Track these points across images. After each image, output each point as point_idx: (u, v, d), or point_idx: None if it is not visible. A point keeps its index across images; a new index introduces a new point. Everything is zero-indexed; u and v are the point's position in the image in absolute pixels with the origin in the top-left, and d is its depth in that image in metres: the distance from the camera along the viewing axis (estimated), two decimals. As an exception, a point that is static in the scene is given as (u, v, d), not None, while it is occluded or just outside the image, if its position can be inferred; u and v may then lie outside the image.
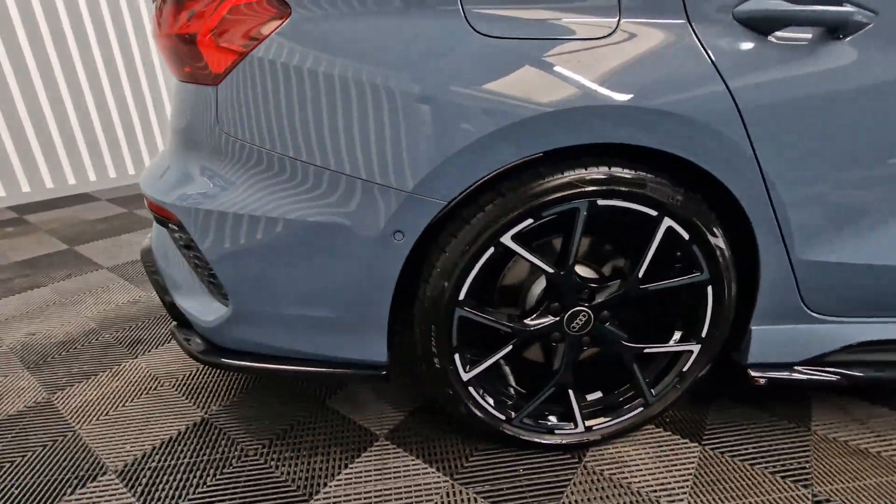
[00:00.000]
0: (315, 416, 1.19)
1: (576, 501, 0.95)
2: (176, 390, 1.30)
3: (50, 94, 3.21)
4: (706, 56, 0.78)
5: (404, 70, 0.76)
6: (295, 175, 0.83)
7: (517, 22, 0.77)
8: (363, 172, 0.80)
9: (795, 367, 1.05)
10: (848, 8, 0.77)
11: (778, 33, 0.79)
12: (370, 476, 1.01)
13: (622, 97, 0.76)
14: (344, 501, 0.95)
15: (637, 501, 0.95)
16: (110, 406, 1.24)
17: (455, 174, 0.80)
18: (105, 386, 1.33)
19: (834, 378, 1.05)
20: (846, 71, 0.80)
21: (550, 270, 0.90)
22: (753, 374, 1.03)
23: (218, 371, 1.36)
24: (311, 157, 0.81)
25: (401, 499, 0.96)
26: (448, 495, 0.96)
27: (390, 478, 1.01)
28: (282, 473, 1.02)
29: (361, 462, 1.05)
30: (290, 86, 0.79)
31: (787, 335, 1.01)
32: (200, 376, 1.35)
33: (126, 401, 1.26)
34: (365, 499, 0.96)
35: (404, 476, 1.01)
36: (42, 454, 1.09)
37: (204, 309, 1.00)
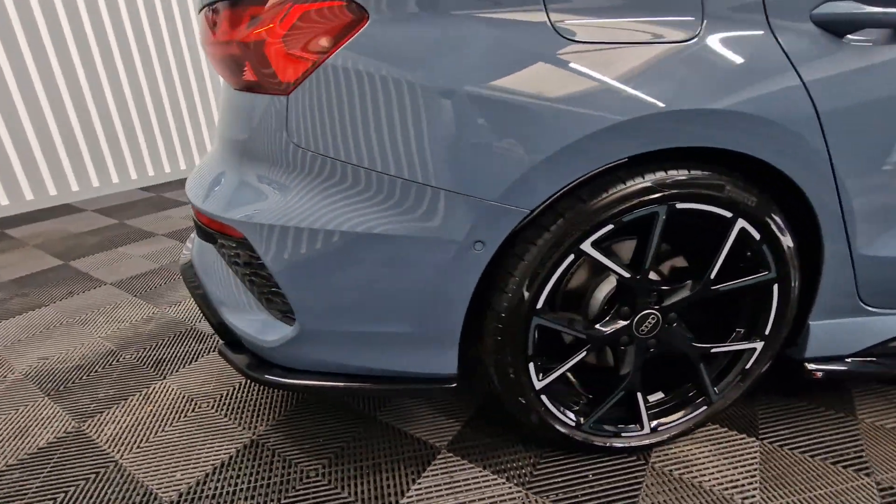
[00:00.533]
0: (370, 431, 1.16)
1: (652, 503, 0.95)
2: (216, 411, 1.24)
3: (28, 101, 3.04)
4: (787, 59, 0.79)
5: (490, 77, 0.74)
6: (371, 187, 0.80)
7: (603, 28, 0.76)
8: (446, 182, 0.78)
9: (847, 360, 1.08)
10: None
11: (852, 35, 0.80)
12: (441, 490, 0.99)
13: (709, 101, 0.76)
14: (419, 519, 0.93)
15: (713, 500, 0.96)
16: (149, 432, 1.18)
17: (540, 182, 0.78)
18: (137, 410, 1.26)
19: (884, 368, 1.08)
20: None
21: (626, 275, 0.89)
22: (810, 367, 1.06)
23: (258, 389, 1.31)
24: (391, 168, 0.78)
25: None
26: (524, 506, 0.95)
27: (461, 491, 0.99)
28: (350, 493, 0.99)
29: (428, 477, 1.03)
30: (369, 94, 0.76)
31: (843, 328, 1.04)
32: (239, 395, 1.29)
33: (164, 425, 1.20)
34: (440, 515, 0.94)
35: (475, 488, 0.99)
36: (87, 489, 1.03)
37: (263, 328, 0.95)
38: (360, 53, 0.75)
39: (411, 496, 0.98)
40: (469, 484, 1.00)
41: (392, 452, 1.09)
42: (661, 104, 0.75)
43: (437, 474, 1.03)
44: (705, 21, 0.77)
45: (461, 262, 0.83)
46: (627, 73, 0.75)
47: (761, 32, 0.78)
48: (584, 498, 0.97)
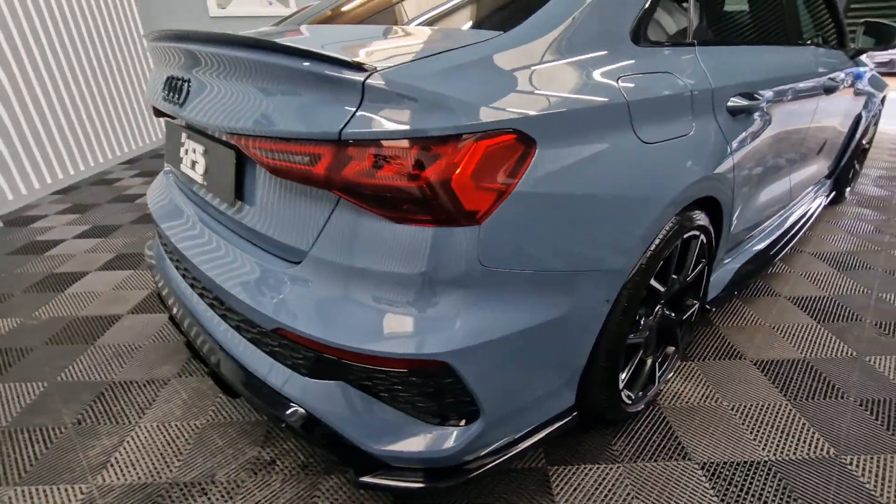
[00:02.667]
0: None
1: (681, 426, 1.40)
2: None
3: None
4: (723, 136, 1.26)
5: (633, 177, 0.97)
6: (547, 284, 0.93)
7: (658, 131, 1.06)
8: (596, 265, 0.98)
9: (718, 295, 1.74)
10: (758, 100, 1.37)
11: (741, 115, 1.33)
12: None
13: (713, 169, 1.18)
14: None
15: (705, 409, 1.47)
16: None
17: (639, 249, 1.07)
18: None
19: (731, 292, 1.79)
20: (764, 128, 1.42)
21: (662, 289, 1.27)
22: (709, 308, 1.67)
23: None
24: (563, 266, 0.93)
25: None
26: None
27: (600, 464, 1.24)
28: None
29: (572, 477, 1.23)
30: (548, 211, 0.88)
31: (716, 278, 1.68)
32: None
33: None
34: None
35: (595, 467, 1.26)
36: None
37: (430, 439, 0.96)
38: (536, 178, 0.86)
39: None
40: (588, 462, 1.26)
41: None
42: (695, 177, 1.12)
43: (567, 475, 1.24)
44: (694, 123, 1.17)
45: (596, 317, 1.05)
46: (678, 163, 1.09)
47: (713, 123, 1.23)
48: (653, 438, 1.35)
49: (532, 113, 0.84)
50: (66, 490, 1.26)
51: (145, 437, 1.42)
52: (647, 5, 1.13)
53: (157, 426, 1.45)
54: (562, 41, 0.97)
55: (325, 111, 0.80)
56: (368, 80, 0.76)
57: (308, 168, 0.83)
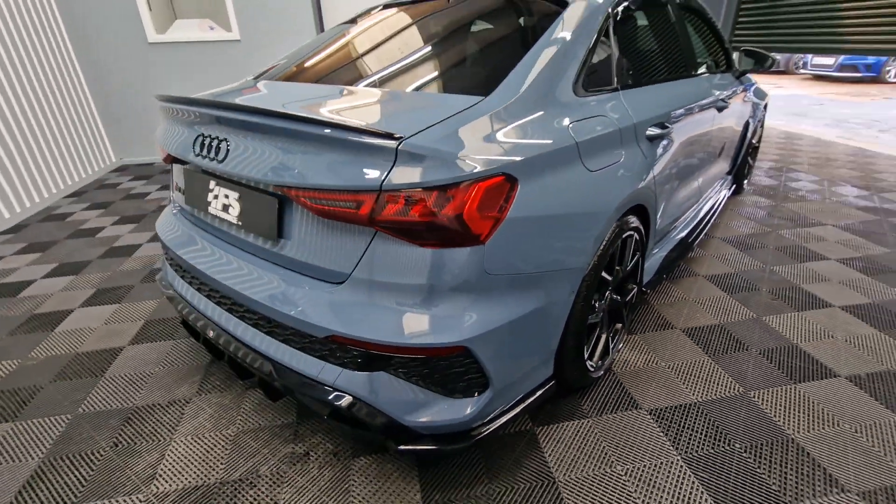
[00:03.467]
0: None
1: (636, 388, 1.78)
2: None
3: None
4: (645, 159, 1.65)
5: (585, 198, 1.31)
6: (534, 282, 1.25)
7: (599, 161, 1.42)
8: (569, 265, 1.32)
9: (651, 280, 2.16)
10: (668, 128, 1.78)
11: (655, 141, 1.73)
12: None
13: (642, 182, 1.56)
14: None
15: (659, 375, 1.86)
16: None
17: (596, 250, 1.42)
18: None
19: (661, 277, 2.22)
20: (674, 146, 1.83)
21: (610, 279, 1.64)
22: (645, 290, 2.08)
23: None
24: (545, 267, 1.26)
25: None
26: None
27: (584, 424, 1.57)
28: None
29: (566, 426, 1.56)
30: (528, 228, 1.20)
31: (648, 266, 2.10)
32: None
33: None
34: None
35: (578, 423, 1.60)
36: None
37: (453, 409, 1.25)
38: (519, 206, 1.17)
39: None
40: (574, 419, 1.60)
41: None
42: (628, 192, 1.49)
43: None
44: (623, 151, 1.54)
45: (565, 305, 1.39)
46: (615, 184, 1.46)
47: (637, 149, 1.61)
48: (612, 396, 1.71)
49: (514, 159, 1.16)
50: (124, 501, 1.42)
51: (184, 449, 1.59)
52: (582, 64, 1.49)
53: (192, 438, 1.63)
54: (527, 100, 1.30)
55: (366, 169, 1.07)
56: (401, 147, 1.05)
57: (353, 211, 1.10)
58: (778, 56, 2.83)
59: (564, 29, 1.51)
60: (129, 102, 5.25)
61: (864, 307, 2.27)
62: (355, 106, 1.36)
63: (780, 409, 1.68)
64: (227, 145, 1.30)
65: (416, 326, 1.14)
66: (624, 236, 1.62)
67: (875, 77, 10.73)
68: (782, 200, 3.70)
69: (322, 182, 1.11)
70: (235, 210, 1.38)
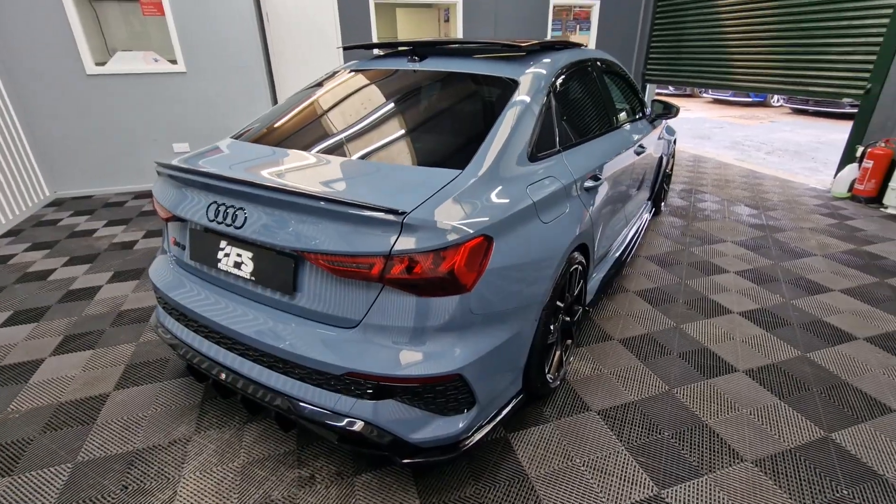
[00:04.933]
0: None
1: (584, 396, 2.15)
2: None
3: None
4: (584, 207, 2.03)
5: (542, 245, 1.65)
6: (507, 317, 1.57)
7: (551, 214, 1.78)
8: (533, 299, 1.65)
9: (593, 300, 2.56)
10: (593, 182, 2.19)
11: (591, 189, 2.13)
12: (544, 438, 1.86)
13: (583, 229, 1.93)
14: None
15: (608, 379, 2.25)
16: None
17: (552, 285, 1.77)
18: None
19: (598, 298, 2.63)
20: (605, 190, 2.24)
21: (562, 305, 1.99)
22: (588, 310, 2.48)
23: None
24: (514, 304, 1.58)
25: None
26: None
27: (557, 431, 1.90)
28: (503, 482, 1.73)
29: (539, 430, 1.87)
30: (503, 274, 1.52)
31: (591, 287, 2.50)
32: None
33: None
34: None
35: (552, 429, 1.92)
36: None
37: (448, 425, 1.53)
38: (496, 260, 1.49)
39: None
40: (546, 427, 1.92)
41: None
42: (573, 236, 1.86)
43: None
44: (568, 203, 1.91)
45: (531, 330, 1.72)
46: (563, 232, 1.82)
47: (578, 199, 2.00)
48: (567, 402, 2.06)
49: (490, 222, 1.48)
50: (148, 537, 1.56)
51: (195, 484, 1.74)
52: (533, 133, 1.85)
53: (201, 473, 1.78)
54: (494, 171, 1.63)
55: (377, 238, 1.34)
56: (405, 220, 1.33)
57: (366, 271, 1.36)
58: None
59: (519, 104, 1.86)
60: (65, 134, 5.07)
61: (755, 312, 2.81)
62: (355, 180, 1.62)
63: (696, 401, 2.11)
64: (245, 214, 1.51)
65: (419, 360, 1.41)
66: (571, 269, 1.99)
67: (762, 102, 12.39)
68: (692, 220, 4.34)
69: (340, 248, 1.36)
70: (248, 267, 1.59)
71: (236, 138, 2.15)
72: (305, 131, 2.08)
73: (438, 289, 1.39)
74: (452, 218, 1.40)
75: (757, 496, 1.66)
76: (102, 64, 5.01)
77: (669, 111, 3.35)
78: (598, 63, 2.77)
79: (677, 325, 2.68)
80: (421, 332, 1.42)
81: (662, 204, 4.50)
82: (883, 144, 4.44)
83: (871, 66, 4.66)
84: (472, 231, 1.42)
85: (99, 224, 4.44)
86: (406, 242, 1.34)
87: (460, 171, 1.59)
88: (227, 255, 1.64)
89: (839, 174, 4.87)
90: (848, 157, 4.92)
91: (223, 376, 1.69)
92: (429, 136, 1.93)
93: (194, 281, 1.80)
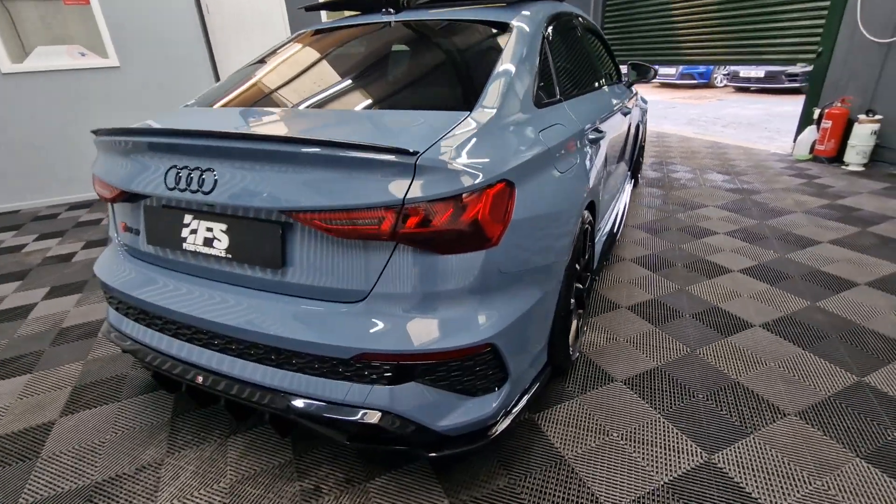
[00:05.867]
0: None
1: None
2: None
3: None
4: (589, 158, 1.86)
5: (562, 198, 1.46)
6: (533, 275, 1.36)
7: (565, 165, 1.59)
8: (558, 257, 1.46)
9: (601, 267, 2.41)
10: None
11: (594, 143, 1.96)
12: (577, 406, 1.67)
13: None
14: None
15: (624, 348, 2.09)
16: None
17: (573, 242, 1.58)
18: None
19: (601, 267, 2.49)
20: (604, 147, 2.08)
21: (578, 269, 1.81)
22: (595, 277, 2.32)
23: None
24: (541, 262, 1.38)
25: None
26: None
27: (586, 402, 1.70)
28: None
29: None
30: (528, 227, 1.31)
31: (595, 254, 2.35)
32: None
33: None
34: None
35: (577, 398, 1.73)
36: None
37: (479, 407, 1.31)
38: (519, 208, 1.28)
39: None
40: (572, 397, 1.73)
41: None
42: (586, 190, 1.68)
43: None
44: (577, 154, 1.73)
45: (555, 294, 1.53)
46: (578, 184, 1.64)
47: (586, 151, 1.82)
48: (589, 375, 1.89)
49: (510, 166, 1.27)
50: (119, 587, 1.25)
51: (175, 515, 1.44)
52: (535, 78, 1.66)
53: (180, 501, 1.47)
54: (506, 113, 1.42)
55: (386, 185, 1.11)
56: (419, 161, 1.10)
57: (375, 228, 1.12)
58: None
59: (517, 46, 1.67)
60: (-19, 142, 4.47)
61: (754, 268, 2.75)
62: (347, 125, 1.37)
63: (720, 360, 1.98)
64: (214, 175, 1.23)
65: (444, 331, 1.18)
66: (583, 228, 1.82)
67: (707, 83, 12.86)
68: (670, 189, 4.31)
69: (338, 203, 1.12)
70: (222, 243, 1.31)
71: (195, 105, 1.85)
72: (277, 92, 1.80)
73: (461, 243, 1.17)
74: (472, 159, 1.18)
75: (810, 449, 1.54)
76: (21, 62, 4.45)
77: (647, 73, 3.27)
78: (580, 19, 2.63)
79: (682, 288, 2.57)
80: (444, 297, 1.19)
81: (639, 176, 4.45)
82: (839, 104, 4.58)
83: (820, 30, 4.81)
84: (494, 174, 1.21)
85: (28, 238, 3.91)
86: (421, 188, 1.11)
87: (468, 112, 1.37)
88: (193, 231, 1.35)
89: (799, 137, 5.01)
90: (806, 121, 5.06)
91: (200, 380, 1.39)
92: (423, 83, 1.70)
93: (154, 271, 1.49)
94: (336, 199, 1.12)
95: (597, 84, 2.53)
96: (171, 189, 1.29)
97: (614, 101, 2.69)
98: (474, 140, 1.25)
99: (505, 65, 1.58)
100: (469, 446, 1.32)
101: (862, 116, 4.40)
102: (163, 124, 1.50)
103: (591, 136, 1.93)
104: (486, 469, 1.52)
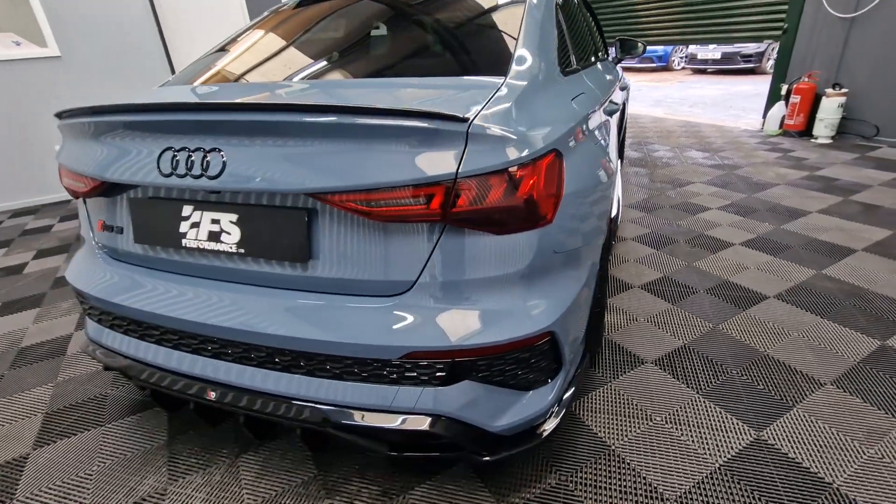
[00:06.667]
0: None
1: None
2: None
3: None
4: (606, 129, 1.76)
5: (598, 168, 1.34)
6: (580, 256, 1.25)
7: (598, 135, 1.48)
8: (600, 234, 1.35)
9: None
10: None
11: (609, 114, 1.86)
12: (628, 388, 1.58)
13: None
14: (612, 434, 1.51)
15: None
16: None
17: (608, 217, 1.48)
18: None
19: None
20: (613, 121, 1.99)
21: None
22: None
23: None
24: (587, 240, 1.26)
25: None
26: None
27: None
28: (586, 460, 1.42)
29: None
30: (576, 202, 1.19)
31: None
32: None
33: None
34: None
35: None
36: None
37: (535, 401, 1.19)
38: (568, 179, 1.15)
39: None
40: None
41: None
42: (613, 163, 1.57)
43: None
44: (602, 125, 1.62)
45: (595, 275, 1.42)
46: (608, 156, 1.53)
47: (607, 121, 1.72)
48: (617, 358, 1.81)
49: (557, 135, 1.14)
50: None
51: (189, 552, 1.25)
52: (558, 47, 1.53)
53: (194, 535, 1.29)
54: (541, 80, 1.29)
55: (436, 157, 0.96)
56: (471, 129, 0.96)
57: (422, 207, 0.97)
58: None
59: (537, 13, 1.54)
60: None
61: (754, 241, 2.76)
62: (380, 93, 1.20)
63: (744, 333, 1.95)
64: (222, 157, 1.05)
65: (502, 321, 1.05)
66: None
67: (665, 66, 13.16)
68: (654, 168, 4.31)
69: (379, 180, 0.96)
70: (233, 236, 1.12)
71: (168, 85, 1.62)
72: (277, 63, 1.59)
73: (516, 222, 1.04)
74: (524, 127, 1.05)
75: (855, 418, 1.51)
76: (-57, 51, 3.95)
77: (634, 49, 3.21)
78: (576, -10, 2.52)
79: (690, 264, 2.54)
80: (497, 283, 1.05)
81: (624, 154, 4.44)
82: (806, 79, 4.71)
83: (785, 7, 4.92)
84: (546, 144, 1.08)
85: (-31, 250, 3.49)
86: (475, 160, 0.97)
87: (502, 77, 1.23)
88: (194, 225, 1.16)
89: (769, 113, 5.13)
90: (774, 97, 5.19)
91: (213, 395, 1.21)
92: (447, 48, 1.54)
93: (143, 274, 1.29)
94: (376, 176, 0.96)
95: (599, 56, 2.44)
96: (168, 175, 1.09)
97: (611, 78, 2.62)
98: (519, 107, 1.11)
99: (531, 29, 1.45)
100: (527, 444, 1.21)
101: (829, 90, 4.54)
102: (148, 100, 1.28)
103: (608, 107, 1.84)
104: (532, 469, 1.41)
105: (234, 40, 1.88)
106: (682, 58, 12.94)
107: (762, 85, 9.00)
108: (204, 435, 1.61)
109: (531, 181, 1.03)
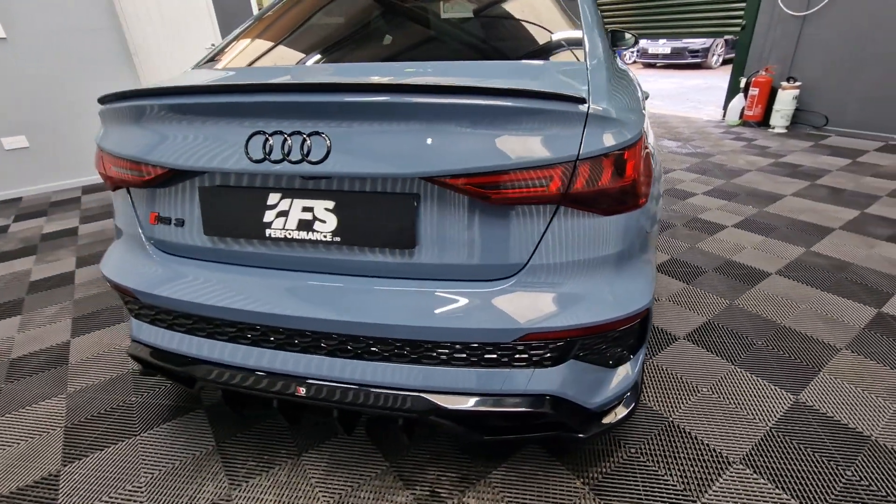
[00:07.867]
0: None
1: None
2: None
3: None
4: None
5: (655, 153, 1.38)
6: (653, 237, 1.30)
7: (646, 119, 1.53)
8: (659, 216, 1.40)
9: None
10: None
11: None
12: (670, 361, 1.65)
13: None
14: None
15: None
16: None
17: None
18: None
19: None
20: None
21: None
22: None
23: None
24: (656, 220, 1.31)
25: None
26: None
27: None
28: (650, 433, 1.48)
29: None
30: (655, 182, 1.24)
31: None
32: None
33: None
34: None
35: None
36: None
37: (622, 376, 1.23)
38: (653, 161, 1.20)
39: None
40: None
41: (613, 409, 1.59)
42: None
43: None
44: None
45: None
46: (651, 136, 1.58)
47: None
48: (652, 337, 1.90)
49: (644, 118, 1.18)
50: None
51: (275, 556, 1.20)
52: (607, 33, 1.57)
53: (275, 539, 1.24)
54: (609, 64, 1.32)
55: (556, 139, 0.96)
56: (590, 111, 0.97)
57: (542, 189, 0.97)
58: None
59: (588, 3, 1.57)
60: None
61: (744, 222, 2.96)
62: (482, 75, 1.18)
63: (759, 308, 2.10)
64: (326, 140, 1.00)
65: (612, 299, 1.08)
66: None
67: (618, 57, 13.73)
68: (633, 156, 4.50)
69: (499, 163, 0.95)
70: (327, 224, 1.07)
71: (204, 68, 1.51)
72: (343, 46, 1.52)
73: (622, 202, 1.06)
74: (622, 111, 1.07)
75: (875, 377, 1.67)
76: None
77: (621, 40, 3.32)
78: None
79: (692, 245, 2.69)
80: (605, 263, 1.08)
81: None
82: (764, 73, 5.07)
83: (743, 5, 5.25)
84: (641, 126, 1.11)
85: (-87, 255, 3.10)
86: (593, 142, 0.98)
87: (582, 61, 1.25)
88: (282, 214, 1.10)
89: (730, 104, 5.47)
90: (734, 89, 5.55)
91: (302, 392, 1.16)
92: (520, 33, 1.53)
93: (212, 268, 1.20)
94: (497, 158, 0.96)
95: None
96: (258, 161, 1.03)
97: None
98: (613, 90, 1.14)
99: (589, 13, 1.47)
100: (621, 419, 1.25)
101: (784, 83, 4.91)
102: (231, 81, 1.19)
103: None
104: (599, 447, 1.46)
105: (278, 15, 1.78)
106: (633, 52, 13.50)
107: (711, 79, 9.60)
108: (257, 436, 1.54)
109: (633, 163, 1.06)
